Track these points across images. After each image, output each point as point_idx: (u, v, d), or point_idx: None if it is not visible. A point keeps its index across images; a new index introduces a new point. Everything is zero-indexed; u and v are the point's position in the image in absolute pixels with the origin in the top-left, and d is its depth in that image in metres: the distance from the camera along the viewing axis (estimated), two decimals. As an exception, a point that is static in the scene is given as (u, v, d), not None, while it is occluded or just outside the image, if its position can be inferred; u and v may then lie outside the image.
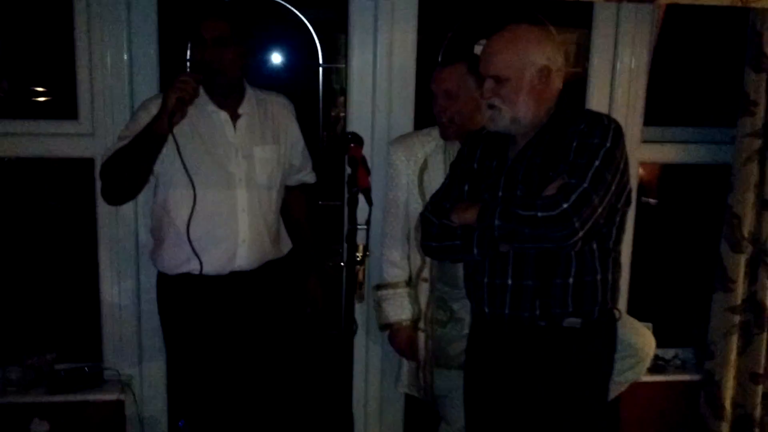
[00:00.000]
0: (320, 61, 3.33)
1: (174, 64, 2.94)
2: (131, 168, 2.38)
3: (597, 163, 1.94)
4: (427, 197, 2.56)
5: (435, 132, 2.63)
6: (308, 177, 2.84)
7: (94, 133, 2.82)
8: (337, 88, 5.28)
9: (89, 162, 2.84)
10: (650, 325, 3.00)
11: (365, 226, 2.12)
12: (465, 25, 3.33)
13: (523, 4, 2.91)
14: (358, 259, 2.93)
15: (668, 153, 3.16)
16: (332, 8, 3.13)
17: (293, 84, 4.08)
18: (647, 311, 3.11)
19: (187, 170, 2.34)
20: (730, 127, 3.01)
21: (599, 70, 3.03)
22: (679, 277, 3.53)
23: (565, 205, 1.89)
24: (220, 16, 2.45)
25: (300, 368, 2.89)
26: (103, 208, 2.85)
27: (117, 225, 2.88)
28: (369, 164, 2.85)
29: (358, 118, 2.96)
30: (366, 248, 2.08)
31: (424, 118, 2.85)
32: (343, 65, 3.49)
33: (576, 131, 2.01)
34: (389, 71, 2.92)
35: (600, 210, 1.94)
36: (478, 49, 2.36)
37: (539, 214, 1.91)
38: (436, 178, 2.56)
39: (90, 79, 2.78)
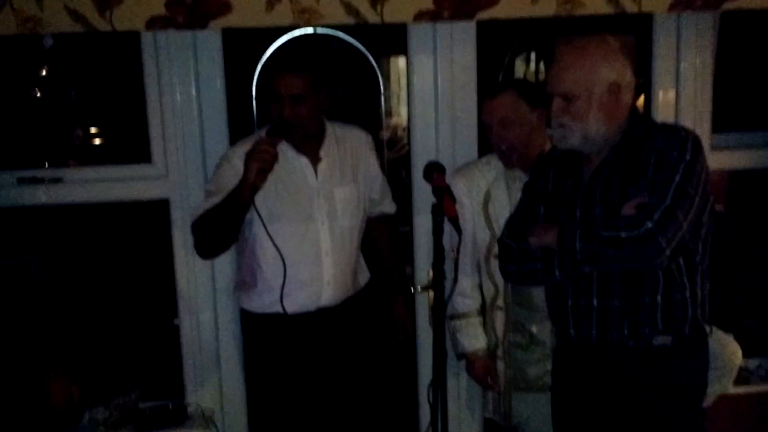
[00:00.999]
0: (381, 89, 3.35)
1: (241, 101, 3.01)
2: (220, 230, 2.47)
3: (678, 178, 1.91)
4: (494, 227, 2.57)
5: (494, 160, 2.63)
6: (389, 208, 2.86)
7: (168, 174, 2.89)
8: (383, 110, 5.35)
9: (164, 203, 2.90)
10: (732, 335, 2.93)
11: (455, 254, 2.11)
12: (521, 46, 3.34)
13: (576, 20, 2.89)
14: (429, 283, 2.97)
15: (737, 159, 3.10)
16: (378, 35, 3.14)
17: (346, 110, 4.13)
18: (728, 321, 3.04)
19: (270, 235, 2.39)
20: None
21: (663, 78, 2.99)
22: (758, 285, 3.44)
23: (649, 225, 1.86)
24: (296, 69, 2.42)
25: (380, 400, 2.89)
26: (179, 244, 2.92)
27: (194, 263, 2.93)
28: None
29: (422, 144, 2.97)
30: (456, 276, 2.08)
31: (487, 142, 2.85)
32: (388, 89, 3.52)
33: (653, 147, 1.98)
34: (451, 93, 2.92)
35: (685, 226, 1.90)
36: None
37: (623, 234, 1.88)
38: (501, 208, 2.57)
39: (161, 121, 2.85)
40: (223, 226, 2.44)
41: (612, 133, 2.06)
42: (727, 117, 3.14)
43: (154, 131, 2.87)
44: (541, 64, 4.58)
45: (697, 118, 3.00)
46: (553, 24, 2.71)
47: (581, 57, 2.04)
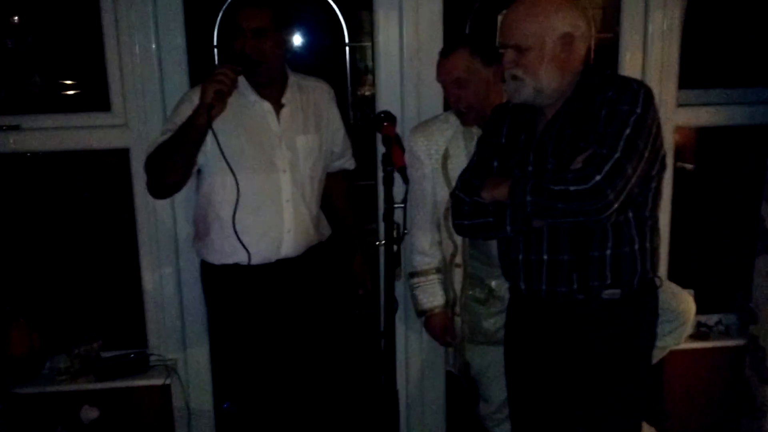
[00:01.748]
0: (346, 40, 3.30)
1: (202, 51, 2.96)
2: (173, 162, 2.38)
3: (628, 131, 1.88)
4: (453, 184, 2.55)
5: (452, 118, 2.60)
6: (348, 163, 2.85)
7: (128, 123, 2.85)
8: (362, 66, 5.25)
9: (124, 152, 2.87)
10: (692, 291, 2.96)
11: (402, 205, 2.11)
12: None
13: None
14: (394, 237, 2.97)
15: (705, 116, 3.09)
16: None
17: (319, 64, 4.07)
18: (689, 278, 3.07)
19: (229, 164, 2.34)
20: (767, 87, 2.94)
21: (630, 33, 2.97)
22: (720, 242, 3.46)
23: (597, 177, 1.85)
24: (259, 4, 2.41)
25: (345, 350, 2.91)
26: (139, 197, 2.89)
27: (155, 214, 2.92)
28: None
29: (387, 97, 2.94)
30: (404, 227, 2.07)
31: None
32: (367, 43, 3.45)
33: (604, 99, 1.96)
34: (417, 47, 2.89)
35: (634, 179, 1.89)
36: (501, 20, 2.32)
37: (571, 188, 1.86)
38: (459, 164, 2.53)
39: (120, 69, 2.80)
40: (179, 156, 2.36)
41: (565, 85, 2.03)
42: (696, 73, 3.12)
43: (113, 79, 2.83)
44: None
45: (664, 74, 2.99)
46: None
47: (533, 7, 2.00)
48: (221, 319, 2.73)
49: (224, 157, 2.34)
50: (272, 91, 2.54)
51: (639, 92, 1.94)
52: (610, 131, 1.90)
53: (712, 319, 3.27)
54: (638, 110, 1.91)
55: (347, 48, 3.42)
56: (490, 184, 2.07)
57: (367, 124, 3.77)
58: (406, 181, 2.03)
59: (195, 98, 2.40)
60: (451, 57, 2.46)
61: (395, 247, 2.78)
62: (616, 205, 1.87)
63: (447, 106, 2.85)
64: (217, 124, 2.31)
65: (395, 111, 2.85)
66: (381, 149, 2.88)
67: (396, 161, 2.01)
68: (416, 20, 2.87)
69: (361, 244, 2.91)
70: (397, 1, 2.86)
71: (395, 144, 2.05)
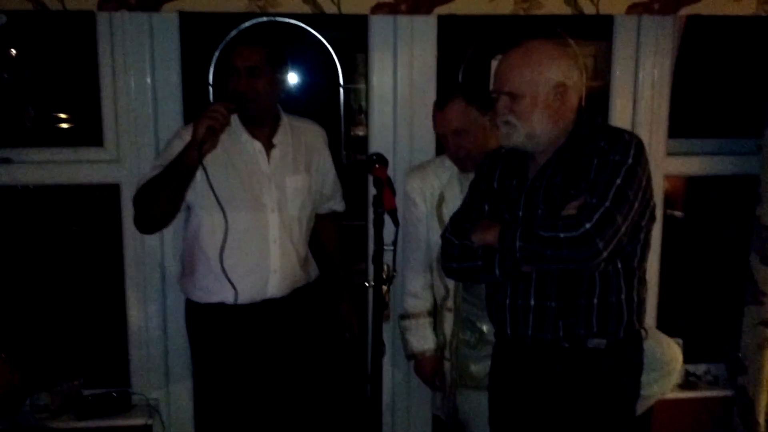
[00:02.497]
0: (341, 82, 3.33)
1: (197, 89, 2.97)
2: (162, 197, 2.37)
3: (618, 181, 1.91)
4: None
5: (447, 162, 2.61)
6: (338, 205, 2.85)
7: (120, 159, 2.84)
8: (356, 107, 5.30)
9: (115, 188, 2.86)
10: (680, 340, 2.95)
11: (392, 247, 2.10)
12: (481, 44, 3.33)
13: (540, 19, 2.89)
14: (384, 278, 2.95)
15: (694, 165, 3.12)
16: (349, 28, 3.14)
17: (313, 104, 4.10)
18: (677, 326, 3.06)
19: (219, 201, 2.33)
20: (756, 137, 2.96)
21: (621, 82, 3.00)
22: (708, 292, 3.47)
23: (587, 225, 1.86)
24: (253, 43, 2.44)
25: (330, 393, 2.88)
26: (129, 233, 2.87)
27: (143, 250, 2.90)
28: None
29: (380, 138, 2.95)
30: (393, 269, 2.07)
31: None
32: (362, 85, 3.48)
33: (596, 149, 1.98)
34: (410, 90, 2.91)
35: (623, 229, 1.90)
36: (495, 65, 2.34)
37: (561, 235, 1.88)
38: (454, 208, 2.48)
39: (114, 105, 2.81)
40: (167, 191, 2.35)
41: (557, 133, 2.06)
42: (685, 123, 3.16)
43: (107, 114, 2.83)
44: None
45: (654, 123, 3.02)
46: (518, 28, 2.71)
47: (527, 56, 2.03)
48: (205, 359, 2.69)
49: (214, 194, 2.33)
50: (264, 131, 2.55)
51: (630, 143, 1.97)
52: (601, 180, 1.92)
53: (700, 369, 3.25)
54: (629, 161, 1.94)
55: (341, 89, 3.44)
56: (480, 228, 2.08)
57: (358, 165, 3.78)
58: (396, 223, 2.03)
59: (186, 135, 2.40)
60: (447, 108, 2.48)
61: (384, 289, 2.84)
62: (605, 254, 1.88)
63: (439, 149, 2.87)
64: (208, 161, 2.31)
65: (388, 153, 2.88)
66: (373, 190, 2.92)
67: (386, 203, 2.02)
68: (410, 63, 2.89)
69: (348, 286, 2.90)
70: (392, 43, 2.88)
71: (386, 186, 2.06)
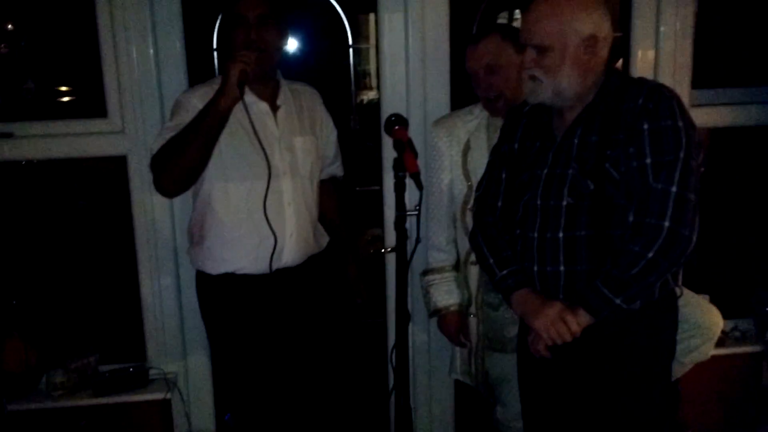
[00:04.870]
0: (350, 43, 3.21)
1: (201, 57, 2.87)
2: (192, 150, 2.23)
3: (682, 154, 1.83)
4: (472, 178, 2.48)
5: (477, 110, 2.52)
6: (339, 170, 2.76)
7: (124, 129, 2.76)
8: (361, 70, 5.16)
9: (121, 160, 2.78)
10: (707, 296, 2.88)
11: (416, 212, 2.01)
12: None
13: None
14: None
15: (720, 116, 3.01)
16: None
17: (317, 67, 3.98)
18: (703, 282, 2.99)
19: (230, 166, 2.27)
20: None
21: (642, 32, 2.89)
22: (734, 246, 3.38)
23: (667, 224, 1.81)
24: None
25: (346, 360, 2.82)
26: (138, 206, 2.81)
27: (153, 222, 2.83)
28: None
29: (393, 102, 2.86)
30: (417, 236, 2.01)
31: (460, 98, 2.74)
32: (367, 46, 3.34)
33: (636, 108, 1.87)
34: (422, 51, 2.81)
35: (695, 200, 1.84)
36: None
37: (649, 254, 1.82)
38: (480, 158, 2.46)
39: (117, 75, 2.72)
40: (199, 143, 2.22)
41: (586, 88, 1.95)
42: (708, 72, 3.04)
43: (110, 85, 2.74)
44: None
45: (677, 74, 2.91)
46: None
47: (557, 6, 1.91)
48: (219, 331, 2.61)
49: (225, 160, 2.26)
50: (267, 93, 2.45)
51: (672, 101, 1.87)
52: (665, 160, 1.83)
53: (727, 325, 3.17)
54: (680, 123, 1.84)
55: (351, 50, 3.33)
56: (543, 314, 1.97)
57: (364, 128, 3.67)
58: (420, 187, 1.93)
59: (194, 99, 2.33)
60: (481, 43, 2.38)
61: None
62: (695, 238, 1.83)
63: (454, 108, 2.78)
64: None
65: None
66: (388, 153, 2.85)
67: (409, 167, 1.92)
68: (422, 23, 2.79)
69: (354, 253, 2.82)
70: (402, 3, 2.77)
71: (408, 148, 1.96)
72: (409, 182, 1.99)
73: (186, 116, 2.29)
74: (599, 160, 1.90)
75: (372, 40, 4.23)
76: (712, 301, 2.86)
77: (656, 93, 1.89)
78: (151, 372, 2.92)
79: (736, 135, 3.16)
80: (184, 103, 2.38)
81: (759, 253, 3.06)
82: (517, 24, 4.12)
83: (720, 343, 3.10)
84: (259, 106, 2.42)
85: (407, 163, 1.92)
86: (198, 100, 2.30)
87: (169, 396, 2.87)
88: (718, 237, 3.38)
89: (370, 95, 4.91)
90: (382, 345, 3.10)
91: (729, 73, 3.15)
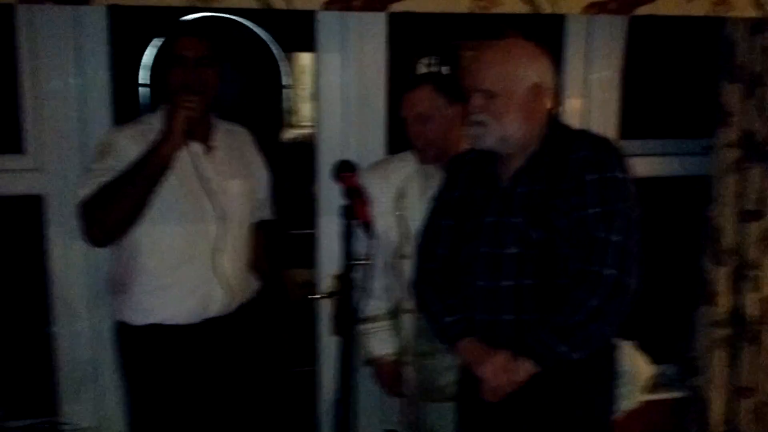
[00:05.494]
0: (283, 83, 3.15)
1: (125, 91, 2.74)
2: (128, 201, 2.11)
3: (620, 205, 1.87)
4: (405, 226, 2.45)
5: (410, 156, 2.51)
6: (268, 213, 2.66)
7: (42, 167, 2.59)
8: (286, 108, 5.12)
9: (36, 199, 2.60)
10: (633, 342, 2.91)
11: (365, 261, 1.95)
12: (433, 47, 3.23)
13: (492, 21, 2.81)
14: (332, 290, 2.80)
15: (645, 166, 3.07)
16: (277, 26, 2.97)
17: (245, 106, 3.90)
18: (630, 329, 3.02)
19: (158, 210, 2.15)
20: (706, 137, 2.96)
21: (573, 83, 2.95)
22: (658, 293, 3.45)
23: (609, 272, 1.84)
24: (200, 34, 2.28)
25: (273, 411, 2.70)
26: (54, 247, 2.62)
27: (69, 266, 2.64)
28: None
29: (329, 142, 2.80)
30: (366, 286, 1.98)
31: (396, 142, 2.72)
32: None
33: (580, 159, 1.90)
34: (361, 92, 2.77)
35: (637, 250, 1.88)
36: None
37: (594, 302, 1.84)
38: (414, 204, 2.45)
39: (36, 108, 2.55)
40: (136, 194, 2.10)
41: (530, 135, 1.97)
42: (636, 125, 3.13)
43: (27, 118, 2.56)
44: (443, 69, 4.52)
45: (606, 125, 2.98)
46: (460, 30, 2.63)
47: (506, 54, 1.96)
48: (140, 384, 2.44)
49: (155, 203, 2.14)
50: (201, 132, 2.35)
51: (615, 152, 1.93)
52: (606, 210, 1.86)
53: (653, 371, 3.22)
54: (621, 176, 1.89)
55: (283, 90, 3.26)
56: (489, 362, 1.95)
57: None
58: (371, 237, 1.87)
59: (124, 141, 2.22)
60: (415, 92, 2.40)
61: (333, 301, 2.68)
62: (636, 286, 1.87)
63: (390, 151, 2.76)
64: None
65: (336, 155, 2.74)
66: (326, 197, 2.78)
67: (361, 215, 1.85)
68: (360, 63, 2.75)
69: (282, 296, 2.76)
70: (341, 44, 2.73)
71: (360, 196, 1.90)
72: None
73: (115, 158, 2.17)
74: (545, 209, 1.91)
75: (294, 79, 4.20)
76: (638, 347, 2.89)
77: (601, 145, 1.95)
78: (65, 428, 2.70)
79: (660, 185, 3.25)
80: (113, 143, 2.25)
81: (683, 300, 3.13)
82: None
83: (646, 389, 3.16)
84: (193, 147, 2.31)
85: (359, 212, 1.86)
86: (128, 140, 2.20)
87: (81, 454, 2.67)
88: (644, 284, 3.46)
89: (293, 133, 4.87)
90: (310, 394, 2.99)
91: (654, 125, 3.25)
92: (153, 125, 2.27)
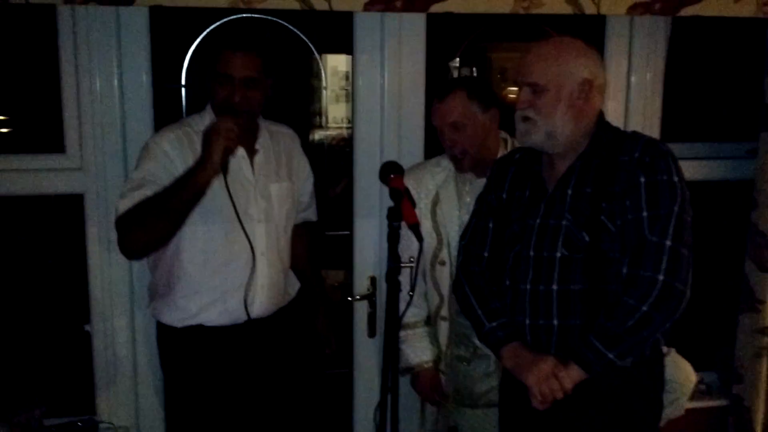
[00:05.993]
0: (324, 84, 3.15)
1: (165, 90, 2.75)
2: (163, 223, 2.11)
3: (676, 209, 1.82)
4: (442, 232, 2.43)
5: (444, 161, 2.48)
6: (312, 215, 2.67)
7: (83, 167, 2.60)
8: (316, 109, 5.13)
9: (78, 198, 2.62)
10: (674, 349, 2.86)
11: (411, 264, 1.93)
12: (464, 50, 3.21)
13: (531, 20, 2.78)
14: (368, 291, 2.80)
15: (687, 170, 2.97)
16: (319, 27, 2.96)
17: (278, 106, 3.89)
18: (670, 334, 2.97)
19: (201, 214, 2.15)
20: (750, 141, 2.90)
21: (613, 84, 2.89)
22: (700, 299, 3.39)
23: (661, 277, 1.79)
24: (251, 49, 2.21)
25: (309, 414, 2.70)
26: (94, 245, 2.64)
27: (110, 267, 2.66)
28: (379, 196, 2.73)
29: (366, 143, 2.78)
30: (411, 288, 1.98)
31: (433, 144, 2.70)
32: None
33: (633, 161, 1.86)
34: (398, 94, 2.75)
35: (689, 255, 1.83)
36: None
37: (644, 307, 1.80)
38: (449, 211, 2.43)
39: (77, 109, 2.57)
40: (171, 217, 2.10)
41: (578, 135, 1.93)
42: (678, 127, 3.08)
43: (69, 119, 2.59)
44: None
45: (647, 127, 2.93)
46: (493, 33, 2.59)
47: (555, 49, 1.92)
48: (180, 385, 2.46)
49: (196, 208, 2.13)
50: (246, 136, 2.33)
51: (668, 155, 1.88)
52: (661, 213, 1.82)
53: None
54: (675, 179, 1.85)
55: (324, 91, 3.26)
56: (535, 369, 1.90)
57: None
58: (420, 239, 1.85)
59: (166, 147, 2.22)
60: (447, 100, 2.34)
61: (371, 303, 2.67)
62: (688, 292, 1.82)
63: (428, 154, 2.73)
64: (188, 165, 2.12)
65: (374, 158, 2.75)
66: (361, 199, 2.77)
67: (408, 217, 1.83)
68: (398, 64, 2.73)
69: (323, 300, 2.72)
70: (379, 45, 2.72)
71: (406, 198, 1.87)
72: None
73: (154, 166, 2.18)
74: (594, 212, 1.87)
75: (325, 80, 4.20)
76: (678, 353, 2.84)
77: (652, 147, 1.90)
78: (101, 426, 2.72)
79: (703, 189, 3.19)
80: (153, 149, 2.25)
81: (724, 307, 3.07)
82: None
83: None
84: (237, 151, 2.30)
85: (405, 214, 1.83)
86: (169, 146, 2.20)
87: (120, 452, 2.68)
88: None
89: (319, 134, 4.87)
90: (346, 397, 2.97)
91: (696, 128, 3.20)
92: (195, 128, 2.28)
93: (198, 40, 2.77)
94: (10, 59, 2.95)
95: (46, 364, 3.09)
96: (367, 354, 2.88)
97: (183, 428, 2.51)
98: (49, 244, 3.28)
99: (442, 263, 2.44)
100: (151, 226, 2.12)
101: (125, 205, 2.14)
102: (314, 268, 2.72)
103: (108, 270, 2.67)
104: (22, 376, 2.99)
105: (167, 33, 2.68)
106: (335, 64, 4.80)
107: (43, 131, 2.73)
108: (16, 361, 3.05)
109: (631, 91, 2.93)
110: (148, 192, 2.12)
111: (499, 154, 2.35)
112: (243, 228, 2.21)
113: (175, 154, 2.20)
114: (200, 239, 2.24)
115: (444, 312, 2.50)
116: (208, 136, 2.03)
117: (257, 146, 2.37)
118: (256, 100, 2.24)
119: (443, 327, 2.51)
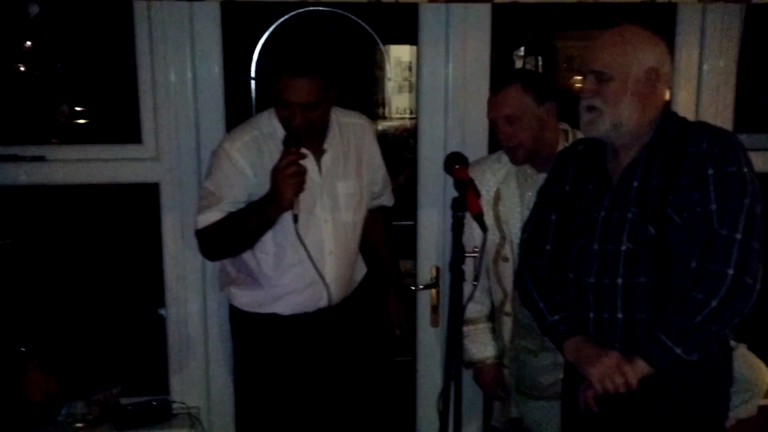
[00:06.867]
0: (387, 75, 3.17)
1: (235, 82, 2.82)
2: (238, 245, 2.33)
3: (747, 201, 1.78)
4: (504, 228, 2.43)
5: (505, 157, 2.45)
6: (388, 201, 2.70)
7: (159, 157, 2.70)
8: (377, 98, 5.15)
9: (153, 187, 2.72)
10: (744, 345, 2.80)
11: (475, 254, 1.95)
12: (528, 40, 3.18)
13: (600, 8, 2.74)
14: (432, 281, 2.82)
15: (760, 161, 2.94)
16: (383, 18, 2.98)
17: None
18: (739, 330, 2.90)
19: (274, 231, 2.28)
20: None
21: (685, 72, 2.84)
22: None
23: (731, 272, 1.76)
24: (308, 72, 2.16)
25: (373, 400, 2.74)
26: (168, 232, 2.75)
27: (183, 252, 2.76)
28: (443, 186, 2.75)
29: (430, 134, 2.81)
30: (476, 278, 2.00)
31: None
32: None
33: (700, 152, 1.82)
34: (463, 83, 2.75)
35: (760, 248, 1.79)
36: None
37: (713, 302, 1.77)
38: (510, 207, 2.42)
39: (153, 99, 2.66)
40: (244, 239, 2.31)
41: (644, 125, 1.90)
42: (751, 117, 3.00)
43: (145, 110, 2.69)
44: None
45: (720, 117, 2.86)
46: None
47: (621, 36, 1.89)
48: (250, 367, 2.57)
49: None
50: (312, 138, 2.35)
51: (737, 146, 1.83)
52: (730, 206, 1.78)
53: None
54: (745, 170, 1.81)
55: (388, 82, 3.28)
56: (599, 363, 1.88)
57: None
58: (484, 229, 1.87)
59: (235, 155, 2.28)
60: (502, 92, 2.32)
61: (434, 292, 2.70)
62: (758, 286, 1.77)
63: (492, 146, 2.73)
64: (257, 171, 2.25)
65: (437, 149, 2.76)
66: (425, 189, 2.80)
67: (471, 207, 1.85)
68: (463, 54, 2.74)
69: (397, 283, 2.76)
70: (443, 35, 2.73)
71: (470, 188, 1.89)
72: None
73: (225, 177, 2.28)
74: (661, 204, 1.84)
75: (389, 71, 4.23)
76: (750, 348, 2.78)
77: (721, 138, 1.85)
78: (174, 406, 2.83)
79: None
80: (223, 159, 2.31)
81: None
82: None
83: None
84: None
85: (470, 204, 1.85)
86: (239, 154, 2.27)
87: None
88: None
89: (382, 125, 4.90)
90: (409, 384, 3.01)
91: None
92: (264, 130, 2.33)
93: (267, 32, 2.81)
94: (89, 52, 3.07)
95: (122, 346, 3.22)
96: (430, 343, 2.92)
97: (252, 409, 2.60)
98: (126, 231, 3.40)
99: (505, 259, 2.43)
100: (226, 244, 2.34)
101: (203, 221, 2.30)
102: (390, 250, 2.75)
103: (181, 256, 2.77)
104: (101, 357, 3.12)
105: (237, 25, 2.74)
106: (398, 54, 4.82)
107: (120, 122, 2.83)
108: (95, 343, 3.19)
109: (702, 80, 2.85)
110: (223, 210, 2.27)
111: (560, 147, 2.32)
112: (308, 255, 2.31)
113: (244, 162, 2.28)
114: (269, 238, 2.32)
115: (508, 308, 2.50)
116: (276, 176, 2.13)
117: (325, 146, 2.38)
118: (317, 117, 2.25)
119: (507, 322, 2.51)
